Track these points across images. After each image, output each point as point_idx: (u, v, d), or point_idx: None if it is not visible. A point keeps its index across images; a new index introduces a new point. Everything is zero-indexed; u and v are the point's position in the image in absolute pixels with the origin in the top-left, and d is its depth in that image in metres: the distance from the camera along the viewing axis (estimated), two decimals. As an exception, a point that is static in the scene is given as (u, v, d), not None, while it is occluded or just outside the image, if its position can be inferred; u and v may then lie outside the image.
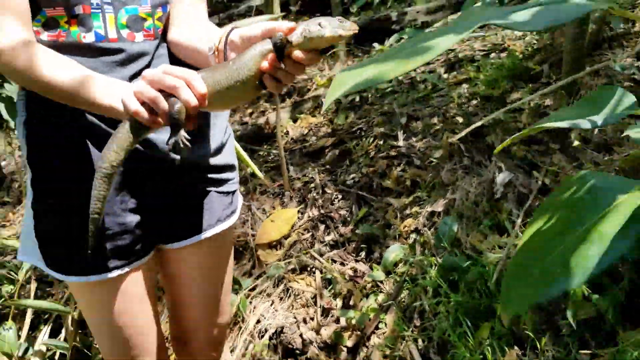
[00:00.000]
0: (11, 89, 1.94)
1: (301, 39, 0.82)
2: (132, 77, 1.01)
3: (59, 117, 1.01)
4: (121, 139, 0.84)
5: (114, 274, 1.06)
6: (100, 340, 1.15)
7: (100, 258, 1.04)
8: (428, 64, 3.19)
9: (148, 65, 1.04)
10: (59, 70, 0.91)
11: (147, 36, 1.04)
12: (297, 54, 0.83)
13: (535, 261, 0.63)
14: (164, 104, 0.82)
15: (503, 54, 2.97)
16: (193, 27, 1.05)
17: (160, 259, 1.21)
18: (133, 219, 1.07)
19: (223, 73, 0.85)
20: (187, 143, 0.83)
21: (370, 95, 3.09)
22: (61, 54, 0.95)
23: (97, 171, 0.85)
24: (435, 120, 2.57)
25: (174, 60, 1.07)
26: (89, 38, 0.99)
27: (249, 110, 3.43)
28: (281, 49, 0.82)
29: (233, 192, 1.22)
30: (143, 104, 0.82)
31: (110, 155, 0.84)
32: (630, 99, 0.72)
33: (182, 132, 0.82)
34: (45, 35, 0.98)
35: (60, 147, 1.02)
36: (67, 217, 1.00)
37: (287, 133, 3.02)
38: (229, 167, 1.20)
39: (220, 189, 1.18)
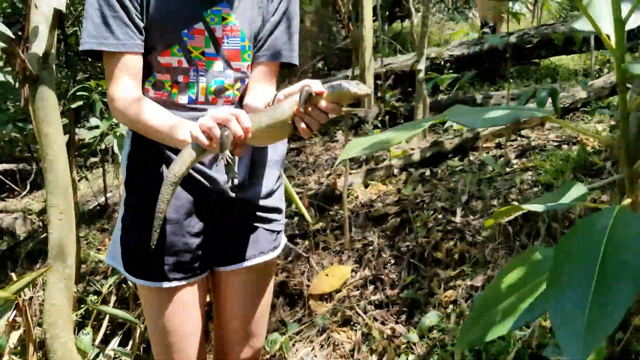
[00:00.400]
0: (124, 129, 2.31)
1: (326, 91, 1.08)
2: None
3: (152, 152, 1.31)
4: (185, 156, 1.11)
5: (173, 284, 1.32)
6: (153, 340, 1.39)
7: (165, 269, 1.31)
8: (500, 147, 3.32)
9: None
10: (157, 117, 1.20)
11: (226, 101, 1.34)
12: (322, 103, 1.08)
13: (488, 307, 0.80)
14: (216, 131, 1.07)
15: (575, 147, 3.05)
16: (260, 94, 1.33)
17: (213, 279, 1.46)
18: (195, 241, 1.34)
19: (265, 114, 1.13)
20: (230, 161, 1.09)
21: (440, 171, 3.26)
22: (161, 106, 1.25)
23: (165, 179, 1.12)
24: (495, 202, 2.69)
25: None
26: (183, 100, 1.30)
27: (327, 172, 3.69)
28: (308, 96, 1.07)
29: (278, 232, 1.46)
30: (203, 132, 1.09)
31: (175, 168, 1.11)
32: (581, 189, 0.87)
33: (227, 153, 1.08)
34: (152, 93, 1.30)
35: (149, 177, 1.31)
36: (146, 233, 1.27)
37: (356, 197, 3.23)
38: (277, 210, 1.45)
39: (267, 226, 1.43)
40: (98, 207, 4.60)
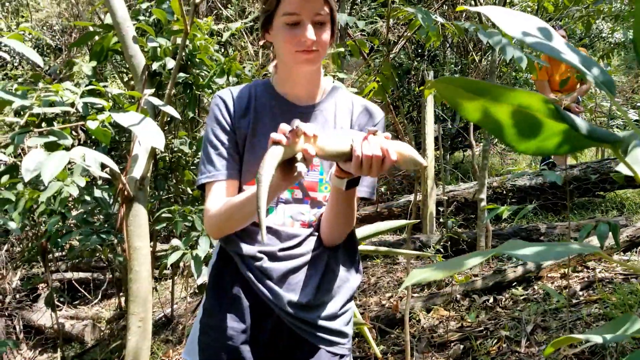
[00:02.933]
0: (200, 251, 2.48)
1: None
2: (281, 250, 1.43)
3: (233, 267, 1.45)
4: (267, 159, 1.16)
5: None
6: None
7: None
8: (566, 279, 3.29)
9: (298, 245, 1.46)
10: (237, 197, 1.37)
11: (302, 225, 1.48)
12: (382, 140, 1.21)
13: None
14: (287, 128, 1.18)
15: (644, 281, 3.00)
16: None
17: None
18: (246, 350, 1.42)
19: (333, 131, 1.28)
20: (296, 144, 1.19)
21: (504, 299, 3.24)
22: None
23: (256, 184, 1.16)
24: (561, 333, 2.64)
25: (319, 241, 1.48)
26: None
27: (388, 294, 3.73)
28: (374, 132, 1.22)
29: (342, 356, 1.48)
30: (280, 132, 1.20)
31: (262, 171, 1.15)
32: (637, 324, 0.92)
33: (297, 140, 1.18)
34: None
35: (229, 287, 1.45)
36: (222, 337, 1.38)
37: (419, 321, 3.24)
38: (341, 334, 1.48)
39: (330, 349, 1.46)
40: (164, 318, 4.75)
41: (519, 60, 2.47)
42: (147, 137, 1.83)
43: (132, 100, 2.93)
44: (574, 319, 2.72)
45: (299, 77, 1.47)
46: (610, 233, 2.10)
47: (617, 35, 7.60)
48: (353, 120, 1.51)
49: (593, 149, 6.95)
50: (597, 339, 1.00)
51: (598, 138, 0.88)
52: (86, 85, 2.67)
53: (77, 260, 5.64)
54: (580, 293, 3.08)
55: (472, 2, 5.72)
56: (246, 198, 1.34)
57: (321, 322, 1.45)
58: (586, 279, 3.25)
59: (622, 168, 1.16)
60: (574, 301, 2.96)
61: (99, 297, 5.77)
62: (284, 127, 1.19)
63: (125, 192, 2.24)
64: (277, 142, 1.17)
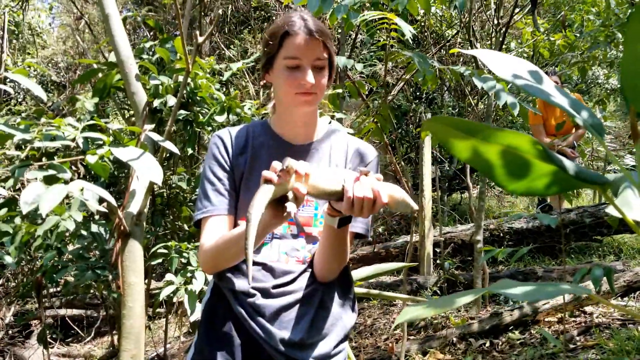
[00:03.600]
0: (195, 286, 2.47)
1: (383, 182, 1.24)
2: (275, 287, 1.43)
3: (226, 304, 1.44)
4: (257, 197, 1.18)
5: None
6: None
7: None
8: (563, 323, 3.27)
9: (292, 281, 1.45)
10: (230, 232, 1.37)
11: (297, 262, 1.48)
12: (374, 182, 1.22)
13: None
14: (278, 167, 1.19)
15: (641, 327, 2.98)
16: None
17: None
18: None
19: (325, 169, 1.26)
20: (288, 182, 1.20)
21: (501, 343, 3.20)
22: None
23: (246, 221, 1.18)
24: (558, 379, 2.60)
25: (313, 277, 1.48)
26: (255, 258, 1.45)
27: (384, 337, 3.69)
28: (366, 173, 1.23)
29: None
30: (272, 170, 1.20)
31: (252, 209, 1.17)
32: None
33: (289, 179, 1.19)
34: None
35: (220, 325, 1.44)
36: None
37: (414, 364, 3.19)
38: None
39: None
40: (156, 358, 4.67)
41: (512, 106, 2.52)
42: (146, 171, 1.85)
43: (133, 136, 2.97)
44: (571, 365, 2.69)
45: (296, 117, 1.50)
46: (605, 277, 2.09)
47: (613, 82, 7.74)
48: (347, 160, 1.54)
49: (590, 193, 6.98)
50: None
51: (586, 179, 0.89)
52: (87, 121, 2.71)
53: (71, 297, 5.58)
54: (578, 338, 3.05)
55: (469, 47, 5.85)
56: (239, 233, 1.34)
57: None
58: (583, 324, 3.22)
59: (612, 210, 1.18)
60: (571, 346, 2.92)
61: (92, 334, 5.68)
62: (276, 164, 1.21)
63: (122, 227, 2.24)
64: (268, 180, 1.19)
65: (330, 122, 2.49)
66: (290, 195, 1.21)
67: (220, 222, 1.45)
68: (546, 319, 3.37)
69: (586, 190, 6.77)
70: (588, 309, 3.45)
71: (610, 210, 1.20)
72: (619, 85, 7.78)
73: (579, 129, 5.27)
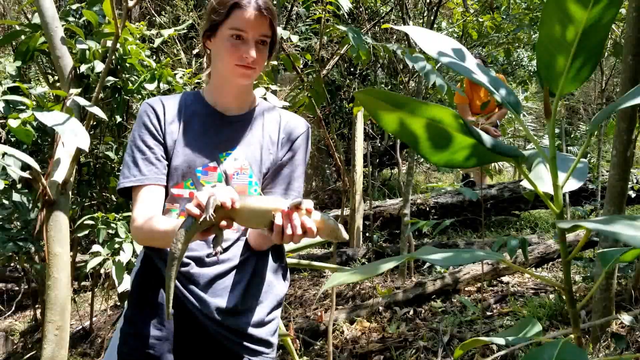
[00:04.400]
0: (123, 257, 2.43)
1: (319, 215, 1.25)
2: (209, 255, 1.44)
3: (157, 275, 1.43)
4: (181, 231, 1.20)
5: None
6: None
7: None
8: (481, 292, 3.46)
9: (226, 249, 1.47)
10: (165, 223, 1.36)
11: (231, 230, 1.49)
12: (304, 217, 1.23)
13: None
14: (203, 200, 1.19)
15: (552, 295, 3.20)
16: None
17: None
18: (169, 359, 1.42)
19: (254, 197, 1.29)
20: (218, 234, 1.23)
21: (424, 311, 3.36)
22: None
23: (168, 257, 1.21)
24: (475, 344, 2.77)
25: (247, 246, 1.50)
26: None
27: (313, 307, 3.78)
28: (297, 204, 1.22)
29: None
30: (196, 206, 1.20)
31: (175, 245, 1.20)
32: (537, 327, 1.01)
33: (210, 213, 1.17)
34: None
35: (152, 295, 1.44)
36: (142, 345, 1.37)
37: (342, 332, 3.30)
38: (267, 343, 1.49)
39: (255, 359, 1.46)
40: (82, 331, 4.57)
41: (441, 87, 2.62)
42: (72, 137, 1.80)
43: (57, 102, 2.85)
44: (487, 330, 2.87)
45: (231, 88, 1.51)
46: (520, 248, 2.24)
47: (534, 63, 8.08)
48: (280, 132, 1.55)
49: (511, 170, 7.33)
50: (500, 341, 1.08)
51: (502, 152, 0.96)
52: (9, 85, 2.58)
53: (-11, 270, 5.33)
54: (495, 306, 3.25)
55: (402, 23, 5.95)
56: (171, 229, 1.33)
57: (249, 330, 1.46)
58: (500, 293, 3.43)
59: (526, 184, 1.27)
60: (488, 313, 3.11)
61: (13, 308, 5.47)
62: (200, 197, 1.21)
63: (46, 196, 2.17)
64: (193, 215, 1.20)
65: (265, 94, 2.49)
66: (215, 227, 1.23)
67: (152, 194, 1.44)
68: (466, 288, 3.56)
69: (508, 167, 7.11)
70: (505, 278, 3.67)
71: (525, 183, 1.29)
72: (540, 68, 8.16)
73: (502, 109, 5.52)
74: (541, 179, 1.08)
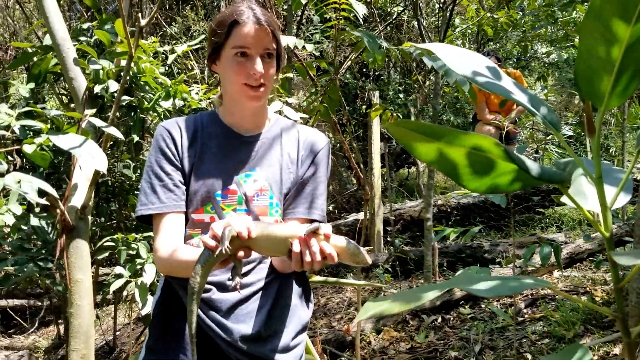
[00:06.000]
0: (146, 278, 2.40)
1: (343, 242, 1.21)
2: (230, 279, 1.40)
3: (178, 303, 1.41)
4: (199, 264, 1.17)
5: None
6: None
7: None
8: (510, 297, 3.37)
9: (247, 273, 1.42)
10: (188, 253, 1.32)
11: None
12: (323, 243, 1.18)
13: None
14: (218, 232, 1.15)
15: (584, 297, 3.11)
16: None
17: None
18: None
19: (271, 225, 1.23)
20: (236, 263, 1.19)
21: (452, 319, 3.28)
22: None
23: (188, 293, 1.18)
24: (508, 352, 2.69)
25: (272, 268, 1.45)
26: None
27: (338, 316, 3.72)
28: (315, 229, 1.17)
29: None
30: (212, 237, 1.16)
31: (194, 279, 1.17)
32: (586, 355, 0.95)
33: (226, 245, 1.13)
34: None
35: (173, 324, 1.41)
36: None
37: (369, 343, 3.24)
38: None
39: None
40: (106, 347, 4.56)
41: (462, 83, 2.54)
42: (89, 159, 1.76)
43: (72, 122, 2.82)
44: (519, 337, 2.79)
45: (244, 109, 1.47)
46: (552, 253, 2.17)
47: (552, 56, 7.96)
48: (299, 148, 1.51)
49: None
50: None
51: (547, 179, 0.90)
52: (23, 108, 2.55)
53: (12, 287, 5.35)
54: (525, 310, 3.16)
55: (416, 24, 5.87)
56: (191, 260, 1.28)
57: (274, 357, 1.41)
58: (530, 296, 3.34)
59: (565, 199, 1.20)
60: (519, 319, 3.03)
61: (36, 325, 5.49)
62: (216, 229, 1.17)
63: (65, 222, 2.14)
64: (209, 248, 1.17)
65: (281, 107, 2.44)
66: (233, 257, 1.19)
67: (173, 222, 1.40)
68: (494, 293, 3.47)
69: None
70: (533, 281, 3.57)
71: (564, 199, 1.22)
72: (556, 60, 8.03)
73: (519, 105, 5.39)
74: (583, 194, 1.02)
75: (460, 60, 1.02)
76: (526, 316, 3.05)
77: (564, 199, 1.20)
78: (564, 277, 3.55)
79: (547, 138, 6.99)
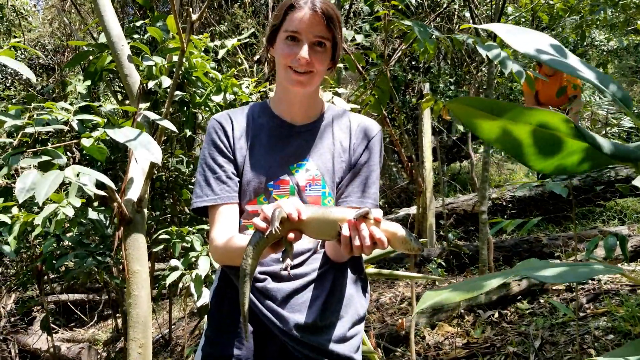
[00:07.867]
0: (200, 271, 2.43)
1: (383, 220, 1.18)
2: (292, 267, 1.39)
3: (234, 291, 1.40)
4: (250, 246, 1.18)
5: None
6: None
7: None
8: (571, 291, 3.25)
9: (302, 263, 1.41)
10: (243, 240, 1.30)
11: (307, 243, 1.43)
12: (373, 227, 1.15)
13: None
14: (268, 213, 1.15)
15: (651, 292, 2.96)
16: None
17: None
18: None
19: (321, 208, 1.21)
20: (287, 246, 1.17)
21: (509, 314, 3.19)
22: None
23: (240, 272, 1.18)
24: (570, 348, 2.59)
25: (327, 259, 1.44)
26: None
27: (391, 311, 3.67)
28: (365, 213, 1.15)
29: None
30: (263, 219, 1.16)
31: (244, 261, 1.17)
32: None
33: (276, 226, 1.13)
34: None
35: (230, 313, 1.42)
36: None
37: (423, 338, 3.18)
38: (348, 359, 1.42)
39: None
40: (162, 340, 4.66)
41: (519, 74, 2.45)
42: (144, 152, 1.79)
43: (126, 118, 2.88)
44: (582, 333, 2.67)
45: (292, 96, 1.46)
46: (617, 245, 2.06)
47: (611, 43, 7.63)
48: (351, 136, 1.49)
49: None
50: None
51: (620, 156, 0.84)
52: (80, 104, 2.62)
53: (72, 282, 5.55)
54: (587, 305, 3.03)
55: (467, 15, 5.73)
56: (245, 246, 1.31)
57: (330, 346, 1.39)
58: (592, 291, 3.20)
59: (638, 182, 1.12)
60: (581, 314, 2.91)
61: (95, 318, 5.68)
62: (266, 210, 1.17)
63: (123, 214, 2.18)
64: (260, 229, 1.16)
65: (332, 98, 2.42)
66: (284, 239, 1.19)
67: (227, 213, 1.41)
68: (554, 287, 3.35)
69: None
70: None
71: (637, 181, 1.14)
72: (617, 47, 7.69)
73: (576, 99, 5.14)
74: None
75: (523, 38, 0.97)
76: (588, 311, 2.92)
77: (637, 181, 1.13)
78: (630, 271, 3.38)
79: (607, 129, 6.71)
